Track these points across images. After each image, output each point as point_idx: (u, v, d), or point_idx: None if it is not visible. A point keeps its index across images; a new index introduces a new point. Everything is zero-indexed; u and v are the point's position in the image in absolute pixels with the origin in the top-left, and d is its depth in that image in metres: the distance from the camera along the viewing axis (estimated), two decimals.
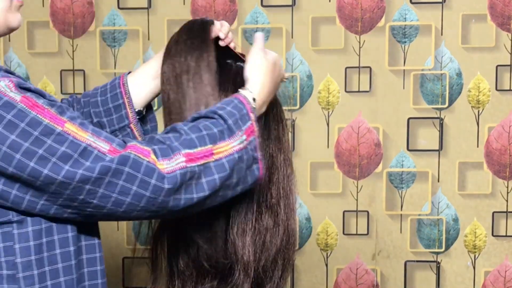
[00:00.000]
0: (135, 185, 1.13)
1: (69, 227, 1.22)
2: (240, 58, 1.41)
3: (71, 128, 1.12)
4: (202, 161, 1.17)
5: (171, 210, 1.18)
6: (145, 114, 1.51)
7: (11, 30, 1.27)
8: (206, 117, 1.22)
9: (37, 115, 1.10)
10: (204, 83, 1.32)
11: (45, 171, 1.09)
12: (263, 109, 1.31)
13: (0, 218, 1.15)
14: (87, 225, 1.25)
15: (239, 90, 1.28)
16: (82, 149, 1.11)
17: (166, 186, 1.14)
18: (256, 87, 1.29)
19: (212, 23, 1.40)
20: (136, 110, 1.47)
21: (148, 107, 1.52)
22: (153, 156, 1.15)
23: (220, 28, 1.40)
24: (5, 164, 1.09)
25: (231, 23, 2.39)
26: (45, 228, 1.19)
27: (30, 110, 1.10)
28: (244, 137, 1.21)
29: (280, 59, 1.37)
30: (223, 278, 1.36)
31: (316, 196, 2.45)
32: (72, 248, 1.22)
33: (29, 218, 1.17)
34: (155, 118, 1.55)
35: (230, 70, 1.38)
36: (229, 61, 1.41)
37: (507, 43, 2.37)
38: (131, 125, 1.47)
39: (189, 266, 1.37)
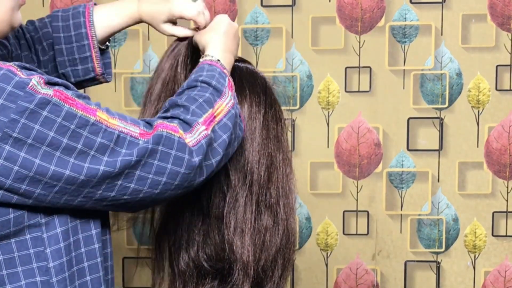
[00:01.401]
0: (170, 163, 1.15)
1: (92, 224, 1.21)
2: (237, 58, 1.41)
3: (102, 116, 1.12)
4: (211, 126, 1.20)
5: (199, 182, 1.20)
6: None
7: (13, 29, 1.27)
8: (190, 87, 1.25)
9: (71, 107, 1.09)
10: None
11: (86, 165, 1.09)
12: (231, 64, 1.35)
13: (30, 220, 1.13)
14: (105, 220, 1.25)
15: (201, 58, 1.32)
16: (116, 137, 1.12)
17: (197, 158, 1.17)
18: (215, 50, 1.32)
19: None
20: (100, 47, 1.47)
21: (106, 47, 1.52)
22: (180, 131, 1.17)
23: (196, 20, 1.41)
24: (47, 163, 1.08)
25: None
26: (71, 227, 1.18)
27: (64, 104, 1.09)
28: (230, 92, 1.26)
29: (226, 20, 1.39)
30: (223, 279, 1.36)
31: (316, 196, 2.45)
32: (97, 246, 1.22)
33: (56, 218, 1.16)
34: (110, 54, 1.54)
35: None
36: None
37: (507, 43, 2.37)
38: (97, 77, 1.48)
39: (189, 267, 1.38)
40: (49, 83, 1.10)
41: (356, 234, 2.46)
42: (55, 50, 1.45)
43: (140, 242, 2.50)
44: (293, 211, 1.40)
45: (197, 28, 1.42)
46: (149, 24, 1.45)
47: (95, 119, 1.11)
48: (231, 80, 1.29)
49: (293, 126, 2.43)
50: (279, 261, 1.39)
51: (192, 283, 1.38)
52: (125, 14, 1.45)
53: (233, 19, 2.39)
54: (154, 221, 1.41)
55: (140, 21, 1.46)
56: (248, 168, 1.35)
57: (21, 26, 1.47)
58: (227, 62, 1.32)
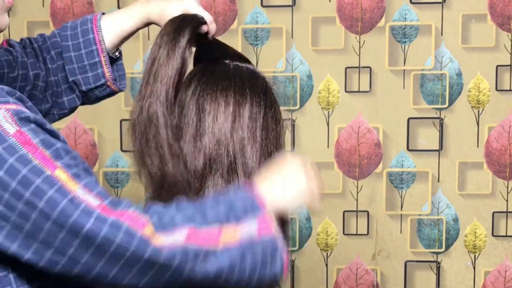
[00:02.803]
0: (126, 257, 0.97)
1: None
2: (237, 56, 1.41)
3: (61, 176, 0.98)
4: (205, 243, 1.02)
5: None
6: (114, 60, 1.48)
7: (0, 31, 1.25)
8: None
9: (28, 153, 0.98)
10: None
11: (34, 215, 0.97)
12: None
13: None
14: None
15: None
16: (69, 199, 0.97)
17: (160, 258, 0.98)
18: (271, 195, 1.12)
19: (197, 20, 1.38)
20: (110, 54, 1.44)
21: (118, 54, 1.48)
22: (151, 227, 0.99)
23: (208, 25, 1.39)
24: None
25: (231, 23, 2.39)
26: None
27: (21, 147, 0.98)
28: (255, 225, 1.05)
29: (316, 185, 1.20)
30: None
31: None
32: None
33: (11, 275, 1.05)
34: (123, 67, 1.50)
35: (228, 70, 1.38)
36: (226, 61, 1.41)
37: (507, 43, 2.37)
38: (108, 83, 1.45)
39: None
40: (20, 119, 1.00)
41: (356, 234, 2.46)
42: (64, 58, 1.44)
43: None
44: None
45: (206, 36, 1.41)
46: (157, 24, 1.44)
47: (50, 173, 0.98)
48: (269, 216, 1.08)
49: (293, 126, 2.43)
50: None
51: None
52: (132, 16, 1.43)
53: (233, 19, 2.40)
54: None
55: (149, 22, 1.44)
56: (249, 169, 1.35)
57: (29, 38, 1.46)
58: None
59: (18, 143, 0.98)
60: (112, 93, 1.50)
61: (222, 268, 1.01)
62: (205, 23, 1.40)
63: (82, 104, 1.52)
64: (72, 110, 1.50)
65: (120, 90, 1.49)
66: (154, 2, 1.42)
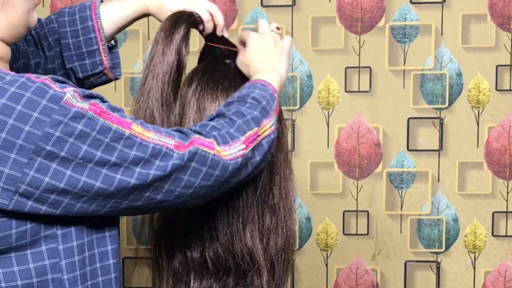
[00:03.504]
0: (200, 177, 1.15)
1: (108, 239, 1.21)
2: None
3: (137, 130, 1.12)
4: (252, 145, 1.20)
5: (218, 194, 1.22)
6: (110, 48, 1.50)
7: (29, 30, 1.26)
8: (241, 101, 1.24)
9: (106, 121, 1.09)
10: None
11: (118, 176, 1.09)
12: (281, 86, 1.35)
13: (46, 231, 1.13)
14: (117, 231, 1.25)
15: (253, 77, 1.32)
16: (151, 149, 1.11)
17: (227, 174, 1.18)
18: (266, 74, 1.32)
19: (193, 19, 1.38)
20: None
21: (114, 42, 1.51)
22: (216, 147, 1.16)
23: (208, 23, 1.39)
24: (78, 175, 1.08)
25: (231, 23, 2.39)
26: (87, 241, 1.18)
27: (98, 117, 1.08)
28: (275, 117, 1.26)
29: (277, 37, 1.39)
30: (220, 279, 1.36)
31: (316, 196, 2.45)
32: (111, 261, 1.22)
33: (73, 230, 1.16)
34: (118, 55, 1.53)
35: (229, 70, 1.38)
36: (227, 61, 1.41)
37: (507, 43, 2.37)
38: (105, 71, 1.47)
39: (188, 267, 1.37)
40: (85, 96, 1.10)
41: (356, 234, 2.46)
42: (61, 45, 1.45)
43: (140, 242, 2.50)
44: (292, 211, 1.40)
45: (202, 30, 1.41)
46: (156, 17, 1.44)
47: (130, 132, 1.10)
48: (279, 105, 1.30)
49: (293, 126, 2.43)
50: (280, 262, 1.39)
51: (191, 282, 1.37)
52: (130, 5, 1.44)
53: (233, 19, 2.40)
54: (154, 221, 1.40)
55: (147, 13, 1.44)
56: None
57: None
58: (277, 85, 1.32)
59: (95, 115, 1.08)
60: (107, 81, 1.51)
61: (265, 154, 1.24)
62: (201, 21, 1.40)
63: None
64: None
65: (116, 78, 1.51)
66: None
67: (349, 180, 2.44)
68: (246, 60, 1.36)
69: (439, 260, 2.45)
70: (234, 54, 1.41)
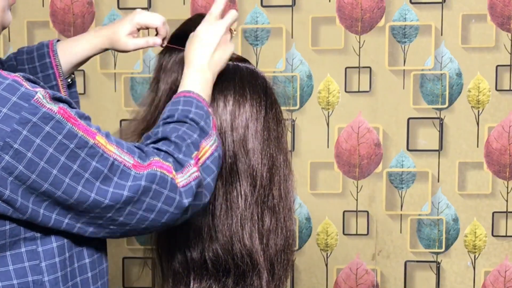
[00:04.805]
0: (161, 202, 1.14)
1: (87, 239, 1.20)
2: (236, 57, 1.41)
3: (101, 141, 1.11)
4: (198, 168, 1.20)
5: (181, 221, 1.20)
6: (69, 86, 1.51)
7: (4, 28, 1.26)
8: (179, 121, 1.23)
9: (73, 126, 1.08)
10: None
11: (79, 188, 1.08)
12: (212, 83, 1.32)
13: (26, 233, 1.13)
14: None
15: (186, 85, 1.29)
16: (110, 164, 1.10)
17: (186, 200, 1.16)
18: (195, 84, 1.29)
19: None
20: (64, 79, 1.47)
21: (71, 80, 1.52)
22: (173, 172, 1.16)
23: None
24: (41, 180, 1.07)
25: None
26: (66, 242, 1.17)
27: (66, 122, 1.08)
28: (214, 134, 1.24)
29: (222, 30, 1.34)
30: (220, 279, 1.36)
31: (316, 196, 2.45)
32: (87, 260, 1.22)
33: (53, 234, 1.15)
34: (77, 94, 1.54)
35: (228, 70, 1.38)
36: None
37: (507, 43, 2.37)
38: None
39: (188, 267, 1.37)
40: (54, 98, 1.09)
41: (356, 234, 2.46)
42: None
43: (140, 242, 2.51)
44: (291, 212, 1.40)
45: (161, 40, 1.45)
46: (111, 47, 1.46)
47: (93, 142, 1.10)
48: (215, 119, 1.28)
49: (293, 126, 2.42)
50: (279, 263, 1.39)
51: (191, 283, 1.37)
52: (84, 40, 1.47)
53: None
54: None
55: (103, 47, 1.47)
56: (251, 169, 1.35)
57: None
58: (207, 94, 1.29)
59: (63, 119, 1.07)
60: None
61: (214, 172, 1.23)
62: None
63: None
64: None
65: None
66: (107, 27, 1.48)
67: (349, 180, 2.44)
68: (185, 51, 1.34)
69: (439, 260, 2.45)
70: (233, 55, 1.41)
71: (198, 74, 1.29)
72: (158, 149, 1.19)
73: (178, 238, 1.37)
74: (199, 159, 1.20)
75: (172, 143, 1.20)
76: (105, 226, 1.14)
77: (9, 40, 2.45)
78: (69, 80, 1.51)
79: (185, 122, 1.22)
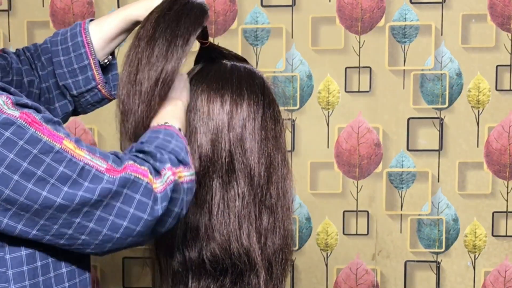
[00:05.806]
0: (133, 207, 1.10)
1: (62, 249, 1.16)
2: (234, 57, 1.41)
3: (69, 146, 1.07)
4: (176, 176, 1.15)
5: (160, 233, 1.16)
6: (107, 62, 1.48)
7: None
8: (160, 148, 1.18)
9: (36, 131, 1.05)
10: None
11: (44, 193, 1.05)
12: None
13: None
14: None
15: (168, 121, 1.25)
16: (80, 168, 1.07)
17: (159, 206, 1.12)
18: (174, 119, 1.26)
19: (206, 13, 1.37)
20: (101, 62, 1.44)
21: (108, 61, 1.48)
22: (150, 176, 1.12)
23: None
24: (2, 187, 1.04)
25: (231, 23, 2.40)
26: (39, 251, 1.14)
27: (29, 127, 1.04)
28: (193, 171, 1.19)
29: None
30: (218, 279, 1.37)
31: (316, 196, 2.45)
32: (64, 270, 1.18)
33: (22, 242, 1.11)
34: (117, 66, 1.50)
35: (225, 70, 1.39)
36: (224, 61, 1.41)
37: (507, 43, 2.37)
38: (99, 86, 1.45)
39: (186, 267, 1.37)
40: (18, 104, 1.06)
41: (356, 234, 2.46)
42: (53, 63, 1.43)
43: None
44: (290, 211, 1.40)
45: None
46: (141, 18, 1.41)
47: (60, 147, 1.06)
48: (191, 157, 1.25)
49: (293, 126, 2.43)
50: (277, 262, 1.39)
51: (190, 282, 1.38)
52: (113, 17, 1.43)
53: (233, 19, 2.40)
54: None
55: (135, 21, 1.41)
56: (249, 169, 1.35)
57: (23, 47, 1.48)
58: (181, 120, 1.27)
59: (25, 124, 1.05)
60: (104, 99, 1.49)
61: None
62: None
63: (76, 113, 1.51)
64: (65, 116, 1.49)
65: (112, 97, 1.48)
66: (138, 2, 1.41)
67: (349, 180, 2.44)
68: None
69: (439, 260, 2.45)
70: (230, 56, 1.41)
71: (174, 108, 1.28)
72: (135, 155, 1.15)
73: (176, 237, 1.38)
74: (175, 173, 1.15)
75: (150, 152, 1.16)
76: (76, 238, 1.10)
77: (9, 40, 2.45)
78: (105, 60, 1.46)
79: (165, 149, 1.18)
